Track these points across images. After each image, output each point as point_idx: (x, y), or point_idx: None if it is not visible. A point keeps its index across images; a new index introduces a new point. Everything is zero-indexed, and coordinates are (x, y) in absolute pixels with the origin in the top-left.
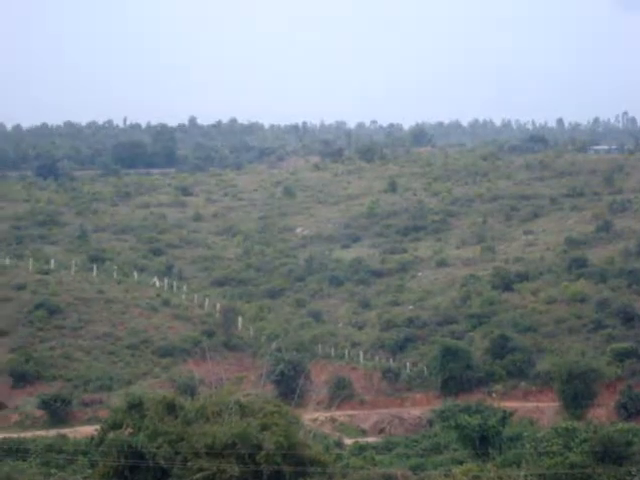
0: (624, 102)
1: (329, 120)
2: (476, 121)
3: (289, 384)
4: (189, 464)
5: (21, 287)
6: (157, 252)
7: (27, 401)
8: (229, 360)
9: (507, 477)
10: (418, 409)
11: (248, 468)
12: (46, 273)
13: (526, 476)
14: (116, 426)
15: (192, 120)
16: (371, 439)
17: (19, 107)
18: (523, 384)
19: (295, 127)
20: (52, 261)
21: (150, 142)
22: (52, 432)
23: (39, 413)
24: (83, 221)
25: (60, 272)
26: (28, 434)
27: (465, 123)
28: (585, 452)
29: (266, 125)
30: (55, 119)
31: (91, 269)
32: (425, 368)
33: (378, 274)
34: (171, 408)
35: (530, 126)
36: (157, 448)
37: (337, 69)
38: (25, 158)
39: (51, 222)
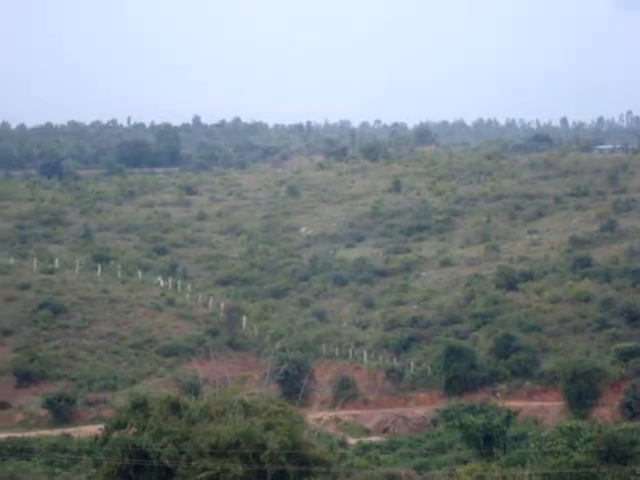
0: (628, 101)
1: (333, 119)
2: (480, 120)
3: (293, 383)
4: (193, 463)
5: (25, 286)
6: (161, 251)
7: (31, 400)
8: (233, 359)
9: (511, 477)
10: (422, 409)
11: (252, 468)
12: (50, 272)
13: (530, 476)
14: (120, 425)
15: (196, 119)
16: (375, 439)
17: (22, 107)
18: (527, 383)
19: (299, 126)
20: (56, 260)
21: (154, 141)
22: (56, 431)
23: (43, 412)
24: (87, 220)
25: (64, 271)
26: (32, 433)
27: (469, 122)
28: (589, 451)
29: (270, 124)
30: (59, 119)
31: (95, 268)
32: (429, 368)
33: (382, 274)
34: (175, 407)
35: (534, 125)
36: (161, 447)
37: (341, 68)
38: (29, 157)
39: (55, 221)
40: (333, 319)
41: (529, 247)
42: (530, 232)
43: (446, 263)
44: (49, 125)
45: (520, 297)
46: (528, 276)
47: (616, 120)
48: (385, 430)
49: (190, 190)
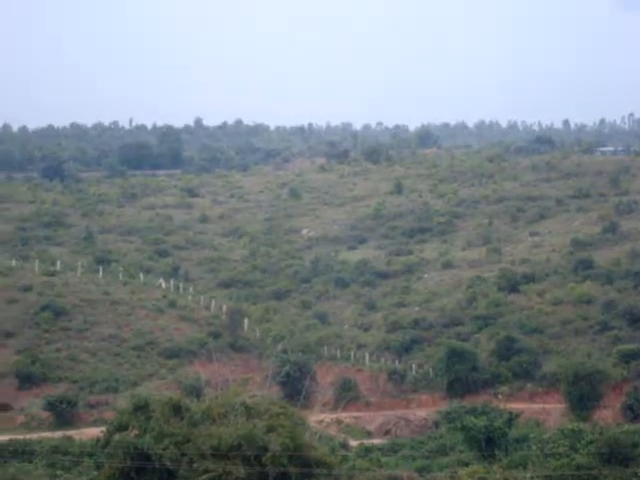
0: (630, 103)
1: (335, 121)
2: (482, 122)
3: (295, 385)
4: (195, 465)
5: (27, 289)
6: (163, 253)
7: (33, 403)
8: (235, 361)
9: (513, 479)
10: (424, 411)
11: (254, 469)
12: (52, 275)
13: (532, 478)
14: (122, 428)
15: (198, 121)
16: (377, 441)
17: (24, 109)
18: (529, 385)
19: (301, 128)
20: (58, 263)
21: (156, 143)
22: (58, 434)
23: (45, 415)
24: (89, 222)
25: (66, 274)
26: (34, 436)
27: (471, 124)
28: (591, 453)
29: (272, 126)
30: (61, 120)
31: (97, 271)
32: (431, 370)
33: (384, 276)
34: (177, 410)
35: (536, 127)
36: (163, 450)
37: (342, 70)
38: (31, 159)
39: (57, 223)
40: (335, 321)
41: (531, 249)
42: (532, 234)
43: (448, 265)
44: (51, 127)
45: (522, 299)
46: (530, 278)
47: (618, 122)
48: (387, 432)
49: (192, 192)
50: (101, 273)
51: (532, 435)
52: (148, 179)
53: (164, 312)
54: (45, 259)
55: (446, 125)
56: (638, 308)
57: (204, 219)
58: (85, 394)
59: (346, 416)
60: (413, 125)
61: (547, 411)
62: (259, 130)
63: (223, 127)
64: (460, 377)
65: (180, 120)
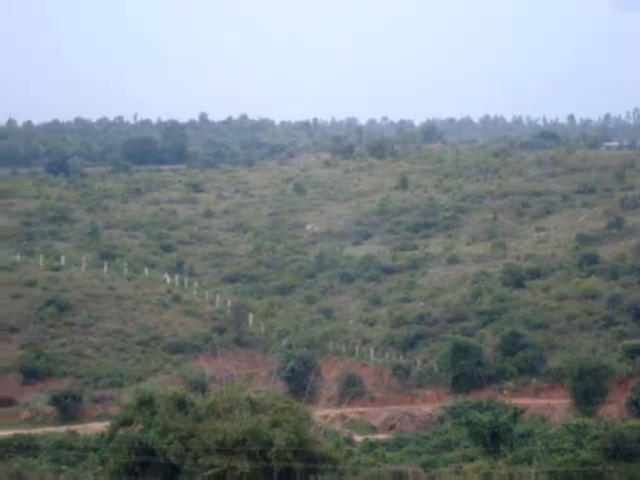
0: (635, 98)
1: (340, 117)
2: (487, 117)
3: (300, 381)
4: (200, 461)
5: (32, 284)
6: (168, 248)
7: (37, 397)
8: (240, 356)
9: (518, 474)
10: (429, 406)
11: (259, 465)
12: (56, 270)
13: (537, 473)
14: (126, 423)
15: (203, 116)
16: (381, 436)
17: (29, 104)
18: (534, 381)
19: (306, 124)
20: (62, 258)
21: (161, 138)
22: (62, 428)
23: (49, 409)
24: (94, 217)
25: (71, 269)
26: (38, 430)
27: (476, 119)
28: (596, 449)
29: (277, 121)
30: (65, 116)
31: (102, 266)
32: (436, 365)
33: (389, 271)
34: (182, 404)
35: (541, 122)
36: (168, 445)
37: (347, 65)
38: (36, 154)
39: (61, 218)
40: (340, 316)
41: (536, 244)
42: (537, 229)
43: (453, 260)
44: (55, 122)
45: (527, 294)
46: (535, 273)
47: (623, 117)
48: (391, 427)
49: (197, 187)
50: (106, 268)
51: (537, 430)
52: (153, 174)
53: (169, 307)
54: (50, 254)
55: (451, 120)
56: None
57: (209, 214)
58: (90, 389)
59: (351, 411)
60: (418, 120)
61: (552, 406)
62: (264, 125)
63: (228, 122)
64: (465, 372)
65: (185, 115)
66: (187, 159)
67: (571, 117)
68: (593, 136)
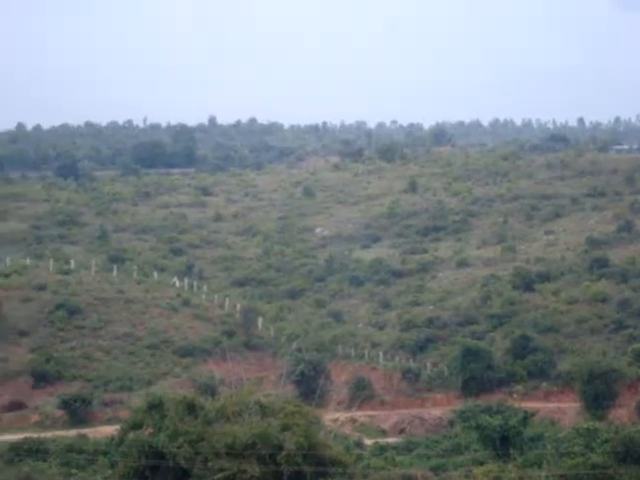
0: None
1: (349, 120)
2: (496, 120)
3: (309, 384)
4: (210, 464)
5: (41, 287)
6: (177, 252)
7: (47, 401)
8: (249, 360)
9: (528, 478)
10: (439, 409)
11: (269, 468)
12: (66, 273)
13: (547, 477)
14: (136, 426)
15: (212, 120)
16: (391, 439)
17: (38, 108)
18: (544, 384)
19: (315, 127)
20: (72, 261)
21: (170, 142)
22: (72, 432)
23: (59, 413)
24: (103, 221)
25: (80, 272)
26: (48, 434)
27: (485, 122)
28: (606, 453)
29: (286, 125)
30: (75, 119)
31: (111, 269)
32: (446, 368)
33: (398, 274)
34: (191, 408)
35: (551, 125)
36: (177, 448)
37: (357, 68)
38: (45, 158)
39: (71, 222)
40: (349, 320)
41: (545, 248)
42: (547, 233)
43: (462, 264)
44: (65, 126)
45: (537, 298)
46: (545, 277)
47: (633, 120)
48: (401, 431)
49: (206, 191)
50: (115, 272)
51: (547, 434)
52: (162, 178)
53: (178, 311)
54: (59, 258)
55: (461, 123)
56: None
57: (218, 218)
58: (99, 392)
59: (361, 415)
60: (427, 123)
61: (562, 410)
62: (273, 129)
63: (237, 125)
64: (475, 376)
65: (194, 119)
66: (196, 163)
67: (581, 120)
68: (603, 139)
